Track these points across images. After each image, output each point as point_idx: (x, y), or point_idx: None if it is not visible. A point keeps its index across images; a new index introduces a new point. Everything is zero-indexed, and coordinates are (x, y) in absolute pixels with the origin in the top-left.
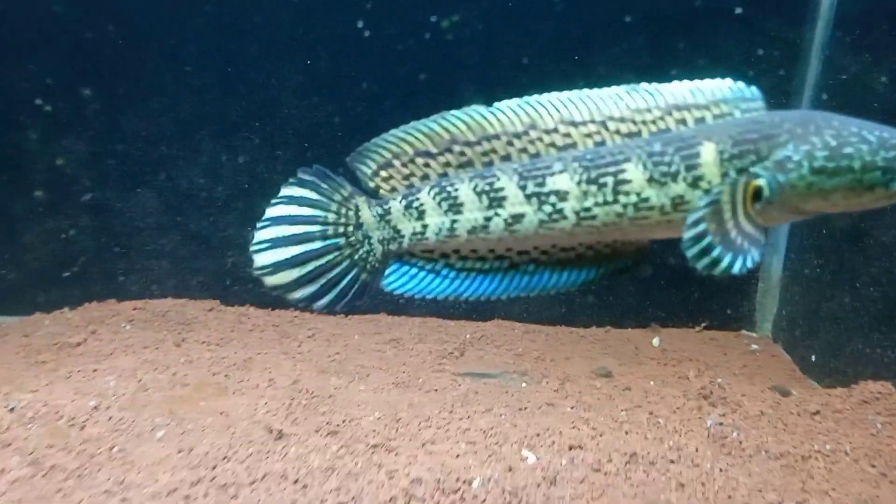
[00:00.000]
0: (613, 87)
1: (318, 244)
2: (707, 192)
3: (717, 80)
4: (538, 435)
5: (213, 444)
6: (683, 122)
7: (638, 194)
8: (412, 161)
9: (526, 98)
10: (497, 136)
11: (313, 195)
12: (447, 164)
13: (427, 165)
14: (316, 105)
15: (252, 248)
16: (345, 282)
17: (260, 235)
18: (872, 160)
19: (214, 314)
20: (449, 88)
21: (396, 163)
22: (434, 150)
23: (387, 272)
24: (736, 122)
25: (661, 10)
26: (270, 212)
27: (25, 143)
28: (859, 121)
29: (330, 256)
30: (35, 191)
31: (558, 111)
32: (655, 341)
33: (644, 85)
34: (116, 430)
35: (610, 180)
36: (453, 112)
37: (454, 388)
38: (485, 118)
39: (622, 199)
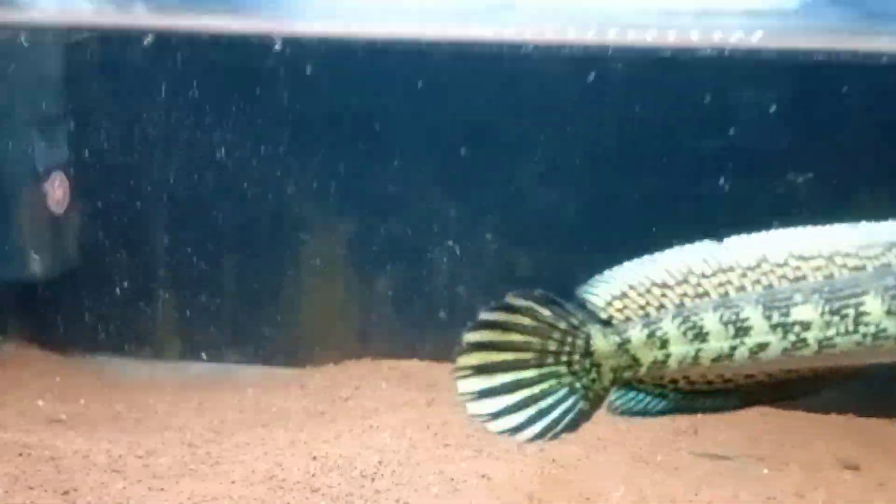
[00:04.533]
0: (836, 225)
1: (533, 372)
2: None
3: None
4: None
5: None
6: None
7: (877, 325)
8: (649, 291)
9: (753, 234)
10: (732, 269)
11: (529, 321)
12: (684, 295)
13: (664, 296)
14: None
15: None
16: (559, 411)
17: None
18: None
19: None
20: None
21: (633, 293)
22: (671, 282)
23: (613, 397)
24: None
25: None
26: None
27: None
28: None
29: (546, 385)
30: None
31: (787, 246)
32: None
33: (864, 223)
34: (399, 484)
35: (851, 311)
36: (687, 245)
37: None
38: (719, 251)
39: (861, 328)
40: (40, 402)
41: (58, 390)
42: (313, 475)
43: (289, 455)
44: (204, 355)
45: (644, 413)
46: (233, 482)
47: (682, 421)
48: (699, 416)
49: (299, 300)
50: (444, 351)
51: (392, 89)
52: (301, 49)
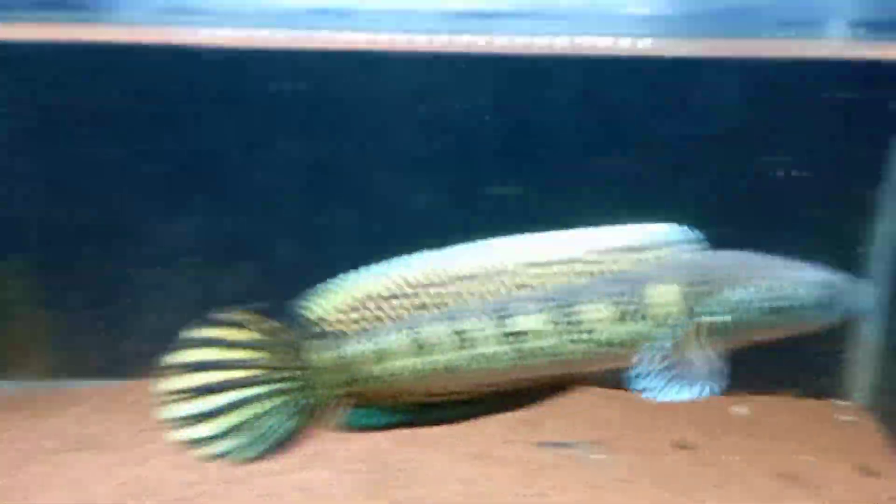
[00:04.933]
0: (576, 230)
1: (243, 392)
2: (671, 328)
3: (665, 224)
4: None
5: None
6: (636, 263)
7: (601, 332)
8: (367, 303)
9: (487, 241)
10: (458, 278)
11: (238, 337)
12: (404, 305)
13: (383, 307)
14: None
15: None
16: (275, 429)
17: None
18: (808, 300)
19: None
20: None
21: (351, 306)
22: (392, 292)
23: (345, 415)
24: (690, 262)
25: None
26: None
27: None
28: (793, 262)
29: (261, 403)
30: None
31: (517, 254)
32: (743, 410)
33: (598, 229)
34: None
35: (575, 319)
36: (415, 255)
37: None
38: (447, 259)
39: (584, 335)
40: None
41: None
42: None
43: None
44: None
45: (369, 427)
46: None
47: (525, 411)
48: (544, 405)
49: None
50: None
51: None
52: None
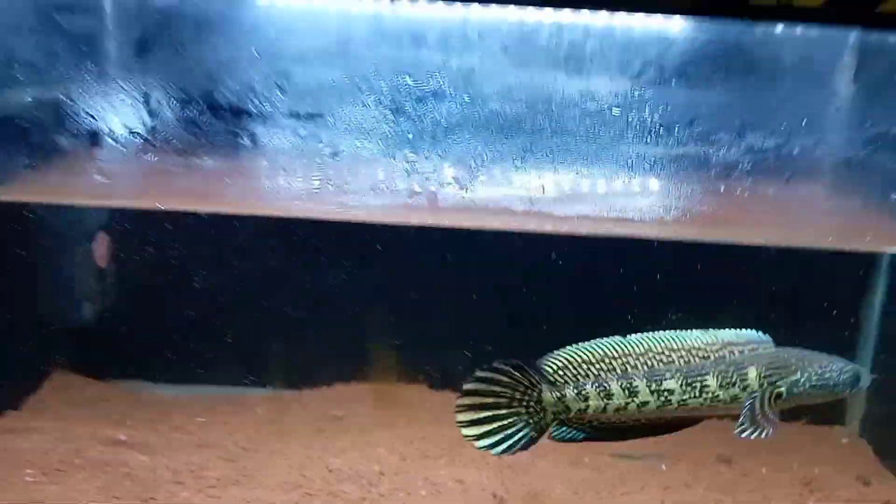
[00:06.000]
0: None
1: (503, 411)
2: (754, 396)
3: (752, 331)
4: None
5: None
6: (733, 353)
7: (713, 392)
8: (580, 366)
9: (646, 334)
10: (630, 355)
11: (505, 379)
12: (600, 369)
13: (589, 369)
14: None
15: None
16: (518, 437)
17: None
18: (839, 381)
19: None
20: None
21: (570, 366)
22: (593, 361)
23: (552, 430)
24: (764, 355)
25: None
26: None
27: None
28: (826, 355)
29: (512, 419)
30: None
31: (664, 342)
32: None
33: (711, 331)
34: (396, 489)
35: (698, 384)
36: (605, 339)
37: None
38: (624, 343)
39: (703, 394)
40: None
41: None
42: (332, 483)
43: (308, 466)
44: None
45: (571, 440)
46: (271, 490)
47: None
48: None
49: None
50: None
51: None
52: None
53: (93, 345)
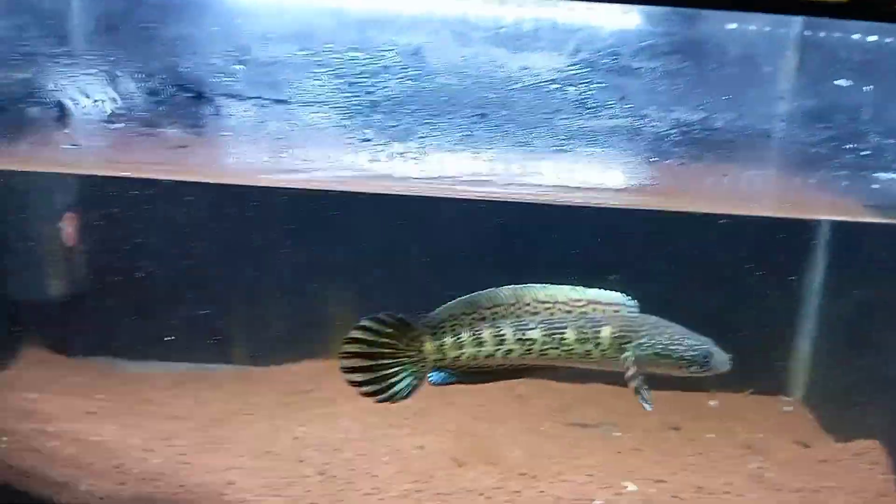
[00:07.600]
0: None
1: (387, 361)
2: (603, 352)
3: (618, 293)
4: (631, 472)
5: (418, 467)
6: (595, 310)
7: (569, 345)
8: (459, 318)
9: (518, 286)
10: (501, 305)
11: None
12: (474, 319)
13: (464, 320)
14: None
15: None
16: (402, 384)
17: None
18: (684, 356)
19: None
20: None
21: (450, 318)
22: (469, 311)
23: (430, 376)
24: (622, 317)
25: None
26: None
27: None
28: (681, 328)
29: (395, 368)
30: None
31: (533, 294)
32: (712, 403)
33: (580, 288)
34: (360, 455)
35: (557, 336)
36: (482, 292)
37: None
38: (498, 295)
39: (561, 346)
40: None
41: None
42: (297, 450)
43: (276, 435)
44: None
45: (445, 383)
46: (241, 456)
47: (555, 401)
48: (569, 396)
49: None
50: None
51: None
52: None
53: (64, 321)
